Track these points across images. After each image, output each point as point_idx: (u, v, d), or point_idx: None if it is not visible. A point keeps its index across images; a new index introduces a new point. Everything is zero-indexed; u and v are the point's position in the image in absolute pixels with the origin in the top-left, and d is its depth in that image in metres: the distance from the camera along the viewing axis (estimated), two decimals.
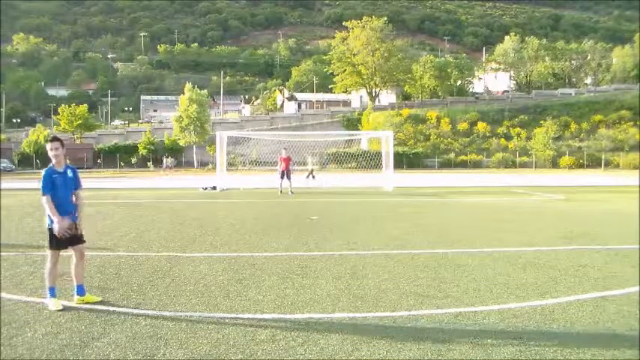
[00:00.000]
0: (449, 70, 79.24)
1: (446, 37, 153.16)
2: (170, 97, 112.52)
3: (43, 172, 5.51)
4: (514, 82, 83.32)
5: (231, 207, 16.21)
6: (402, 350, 4.28)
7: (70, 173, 5.59)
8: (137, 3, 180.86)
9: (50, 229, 5.45)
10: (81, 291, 5.60)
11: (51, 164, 5.51)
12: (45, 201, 5.38)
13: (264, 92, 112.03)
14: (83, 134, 65.27)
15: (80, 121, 63.40)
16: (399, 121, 62.43)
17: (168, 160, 51.46)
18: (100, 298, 5.65)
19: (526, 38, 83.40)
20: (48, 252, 5.53)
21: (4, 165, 54.51)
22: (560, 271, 7.11)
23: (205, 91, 65.08)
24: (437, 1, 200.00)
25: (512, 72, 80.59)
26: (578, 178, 37.14)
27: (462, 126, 63.88)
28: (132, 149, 63.17)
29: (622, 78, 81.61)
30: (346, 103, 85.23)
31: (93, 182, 29.65)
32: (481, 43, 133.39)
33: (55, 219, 5.33)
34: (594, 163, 55.83)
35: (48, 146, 5.49)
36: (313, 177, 26.58)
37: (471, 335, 4.62)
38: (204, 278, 6.69)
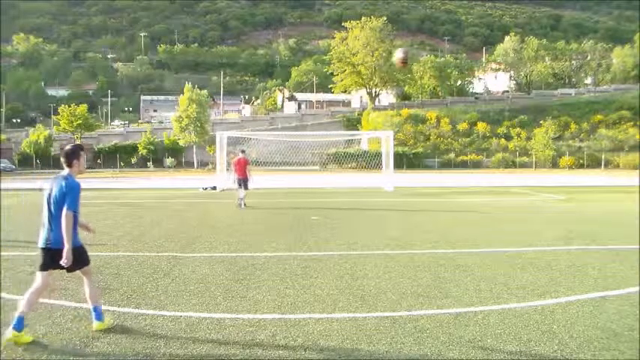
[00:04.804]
0: (449, 70, 79.18)
1: (446, 37, 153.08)
2: (170, 97, 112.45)
3: (74, 181, 4.53)
4: (514, 82, 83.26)
5: (231, 207, 16.20)
6: (402, 350, 4.27)
7: None
8: (137, 3, 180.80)
9: (43, 249, 4.53)
10: (98, 315, 4.73)
11: (73, 173, 4.62)
12: (70, 219, 4.41)
13: (264, 92, 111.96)
14: (83, 134, 65.23)
15: (80, 121, 63.31)
16: (398, 121, 62.40)
17: None
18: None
19: (526, 38, 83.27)
20: (37, 274, 4.63)
21: (4, 165, 54.51)
22: (560, 271, 7.11)
23: (205, 91, 65.10)
24: (437, 1, 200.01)
25: (512, 72, 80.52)
26: (578, 178, 37.13)
27: (462, 126, 63.86)
28: (132, 149, 63.26)
29: (622, 78, 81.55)
30: (346, 103, 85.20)
31: (93, 182, 29.64)
32: (481, 43, 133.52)
33: (67, 247, 4.39)
34: (594, 163, 55.85)
35: (83, 154, 4.64)
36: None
37: (471, 335, 4.61)
38: (204, 278, 6.68)
